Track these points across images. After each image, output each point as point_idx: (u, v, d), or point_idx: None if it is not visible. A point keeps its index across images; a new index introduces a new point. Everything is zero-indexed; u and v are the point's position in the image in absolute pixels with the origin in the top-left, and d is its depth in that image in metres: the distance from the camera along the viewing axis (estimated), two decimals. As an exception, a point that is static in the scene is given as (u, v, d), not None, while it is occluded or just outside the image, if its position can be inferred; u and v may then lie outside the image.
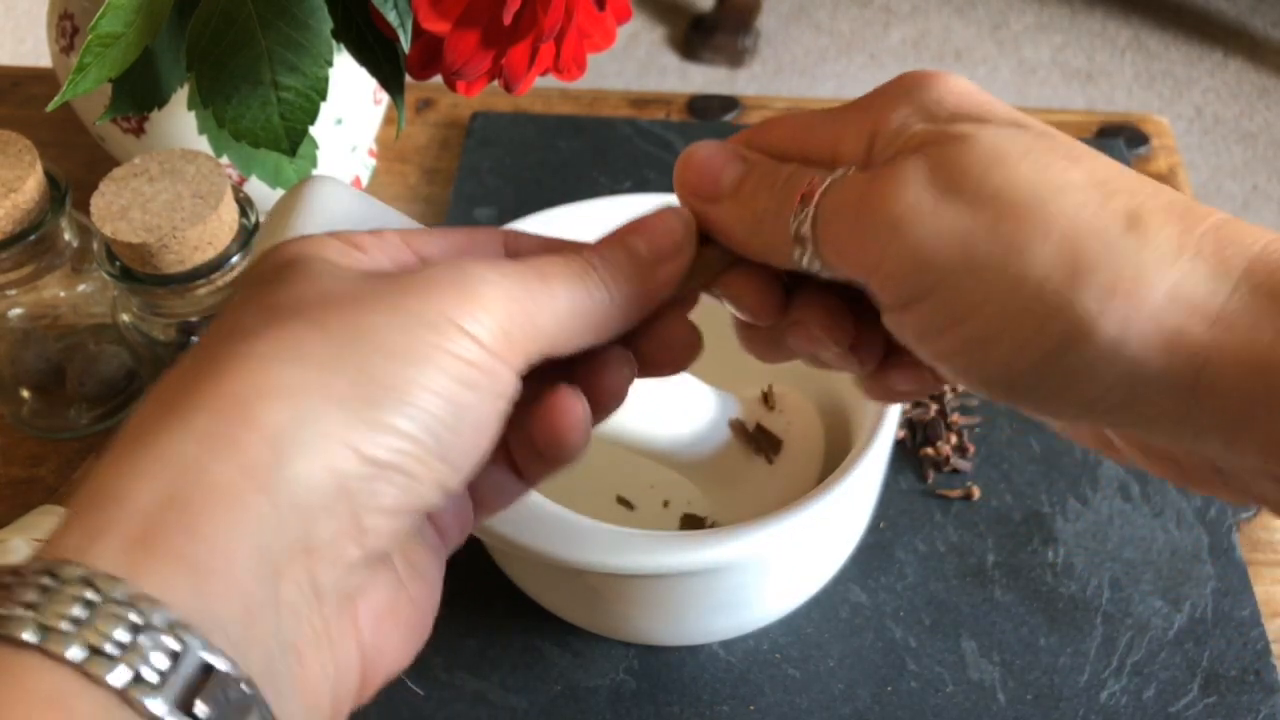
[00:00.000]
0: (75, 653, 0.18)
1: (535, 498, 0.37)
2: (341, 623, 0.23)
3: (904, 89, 0.26)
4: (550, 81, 0.45)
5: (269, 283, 0.24)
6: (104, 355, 0.52)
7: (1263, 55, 1.79)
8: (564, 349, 0.26)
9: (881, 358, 0.29)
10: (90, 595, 0.19)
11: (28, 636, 0.18)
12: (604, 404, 0.28)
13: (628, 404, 0.38)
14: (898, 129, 0.25)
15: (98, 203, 0.42)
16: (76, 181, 0.47)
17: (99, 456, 0.23)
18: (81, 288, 0.49)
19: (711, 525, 0.46)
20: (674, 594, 0.40)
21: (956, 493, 0.49)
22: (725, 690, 0.43)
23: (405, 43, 0.39)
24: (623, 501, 0.48)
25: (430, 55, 0.41)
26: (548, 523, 0.36)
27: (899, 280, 0.24)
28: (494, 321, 0.24)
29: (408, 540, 0.26)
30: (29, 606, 0.19)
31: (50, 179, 0.46)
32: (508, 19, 0.37)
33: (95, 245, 0.47)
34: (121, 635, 0.19)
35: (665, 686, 0.43)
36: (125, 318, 0.46)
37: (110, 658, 0.18)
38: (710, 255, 0.29)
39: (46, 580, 0.19)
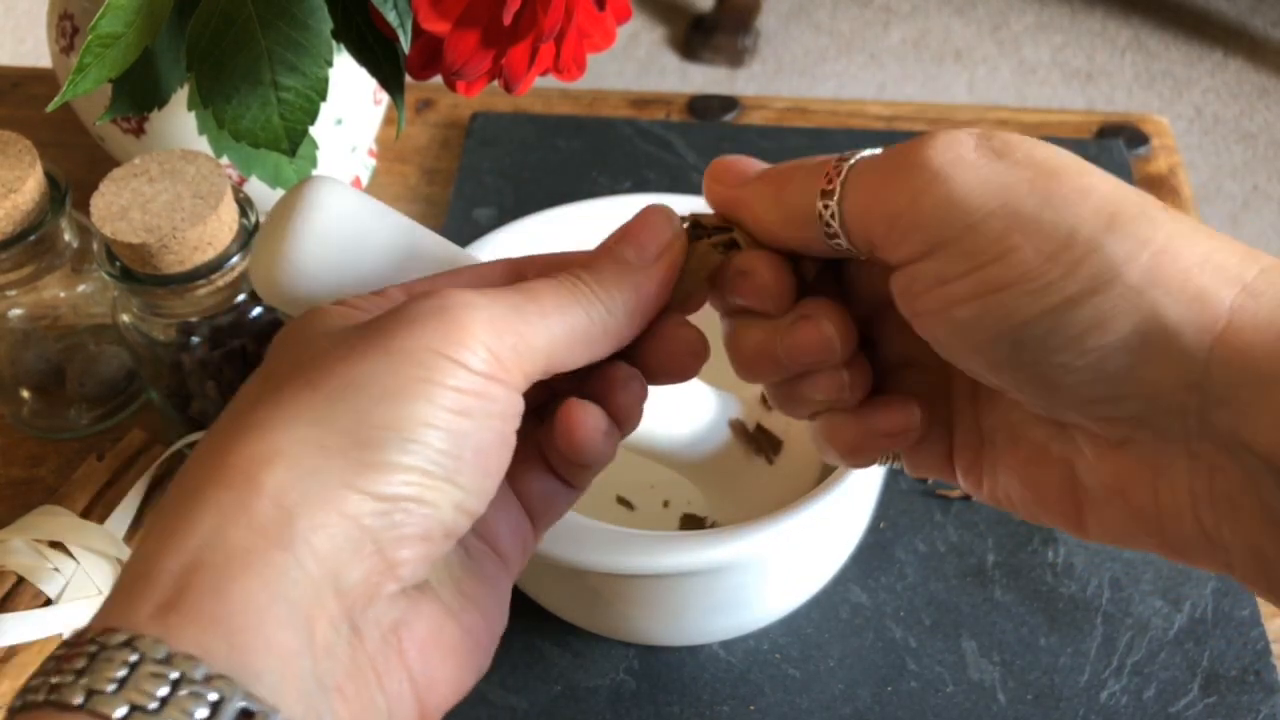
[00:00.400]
0: (120, 710, 0.20)
1: None
2: (387, 656, 0.24)
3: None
4: (550, 81, 0.45)
5: (274, 357, 0.26)
6: (104, 355, 0.52)
7: (1263, 55, 1.79)
8: (566, 364, 0.26)
9: (868, 391, 0.29)
10: (132, 657, 0.20)
11: (76, 700, 0.20)
12: (620, 421, 0.29)
13: None
14: None
15: (98, 203, 0.42)
16: (76, 182, 0.47)
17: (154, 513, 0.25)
18: (81, 288, 0.49)
19: (711, 525, 0.46)
20: (674, 594, 0.40)
21: (956, 493, 0.49)
22: (725, 690, 0.43)
23: (405, 43, 0.39)
24: (623, 501, 0.48)
25: (430, 55, 0.41)
26: None
27: (929, 224, 0.24)
28: (482, 346, 0.25)
29: (457, 569, 0.26)
30: (78, 674, 0.21)
31: (50, 179, 0.46)
32: (508, 19, 0.37)
33: (95, 246, 0.47)
34: (162, 691, 0.20)
35: (665, 686, 0.43)
36: (125, 318, 0.46)
37: (152, 713, 0.20)
38: (703, 250, 0.28)
39: (92, 648, 0.21)
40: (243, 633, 0.21)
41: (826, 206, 0.26)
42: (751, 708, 0.43)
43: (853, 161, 0.26)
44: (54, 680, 0.21)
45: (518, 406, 0.25)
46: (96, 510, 0.46)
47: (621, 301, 0.27)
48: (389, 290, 0.28)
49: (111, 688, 0.20)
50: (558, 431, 0.27)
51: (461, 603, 0.26)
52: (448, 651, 0.25)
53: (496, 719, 0.42)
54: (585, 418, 0.27)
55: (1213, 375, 0.22)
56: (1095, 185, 0.24)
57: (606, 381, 0.28)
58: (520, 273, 0.29)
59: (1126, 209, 0.23)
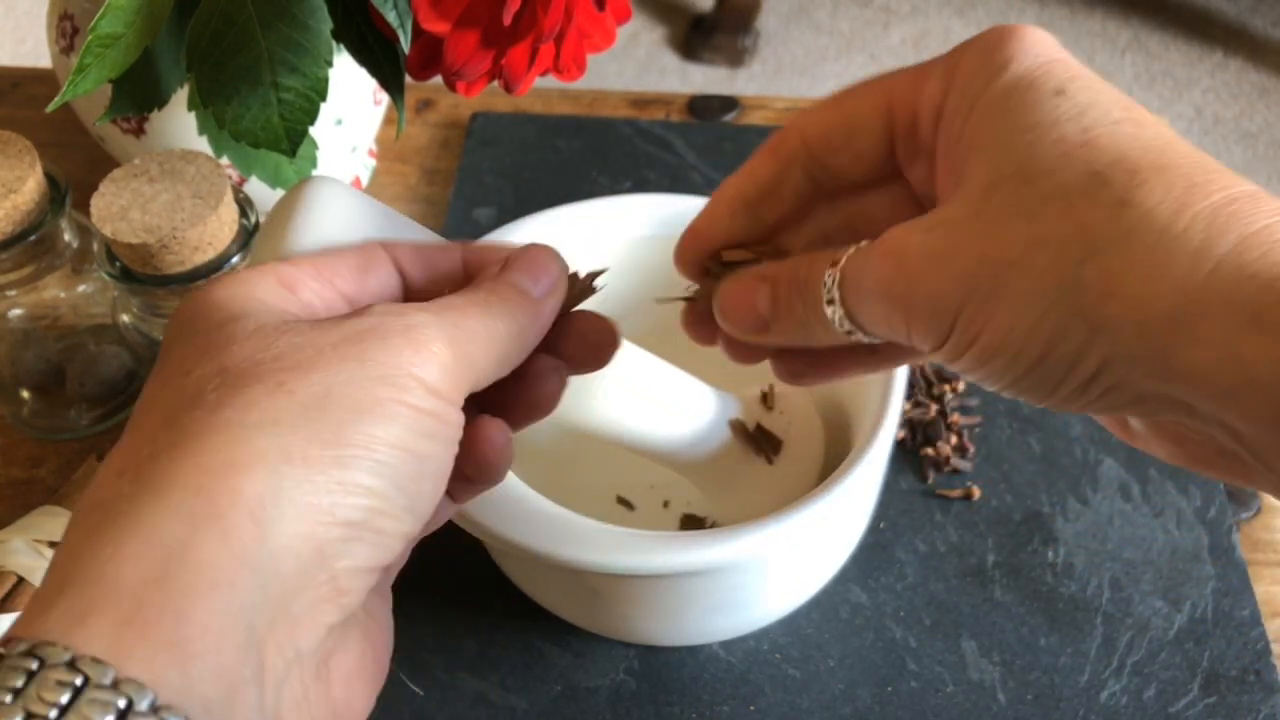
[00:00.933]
0: None
1: (535, 498, 0.37)
2: (317, 686, 0.23)
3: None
4: (550, 82, 0.45)
5: (213, 339, 0.24)
6: (104, 356, 0.52)
7: (1263, 55, 1.79)
8: (490, 380, 0.27)
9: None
10: (76, 680, 0.19)
11: None
12: (539, 411, 0.30)
13: (628, 404, 0.38)
14: (957, 130, 0.26)
15: (98, 203, 0.42)
16: (76, 182, 0.47)
17: (74, 516, 0.23)
18: (81, 288, 0.49)
19: (711, 525, 0.46)
20: (674, 594, 0.40)
21: (956, 493, 0.49)
22: (725, 690, 0.43)
23: (405, 43, 0.39)
24: (623, 501, 0.48)
25: (430, 55, 0.41)
26: (548, 523, 0.36)
27: (925, 330, 0.25)
28: (441, 368, 0.24)
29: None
30: (15, 693, 0.19)
31: (50, 180, 0.46)
32: (508, 19, 0.37)
33: (95, 246, 0.47)
34: None
35: (665, 687, 0.43)
36: (125, 318, 0.46)
37: None
38: (579, 282, 0.31)
39: (31, 664, 0.19)
40: (199, 658, 0.20)
41: (852, 332, 0.28)
42: (751, 708, 0.43)
43: (835, 292, 0.27)
44: None
45: (460, 428, 0.25)
46: (96, 510, 0.46)
47: (521, 324, 0.27)
48: (302, 262, 0.27)
49: (53, 714, 0.19)
50: (471, 448, 0.27)
51: (368, 621, 0.26)
52: (365, 677, 0.25)
53: (496, 719, 0.42)
54: (496, 435, 0.28)
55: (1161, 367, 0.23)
56: (1043, 236, 0.23)
57: (529, 376, 0.29)
58: (397, 259, 0.29)
59: (1072, 259, 0.23)
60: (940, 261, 0.24)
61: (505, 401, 0.29)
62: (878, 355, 0.31)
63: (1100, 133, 0.24)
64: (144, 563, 0.20)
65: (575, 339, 0.30)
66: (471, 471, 0.27)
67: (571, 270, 0.31)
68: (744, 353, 0.32)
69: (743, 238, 0.31)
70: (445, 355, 0.24)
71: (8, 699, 0.19)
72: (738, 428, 0.41)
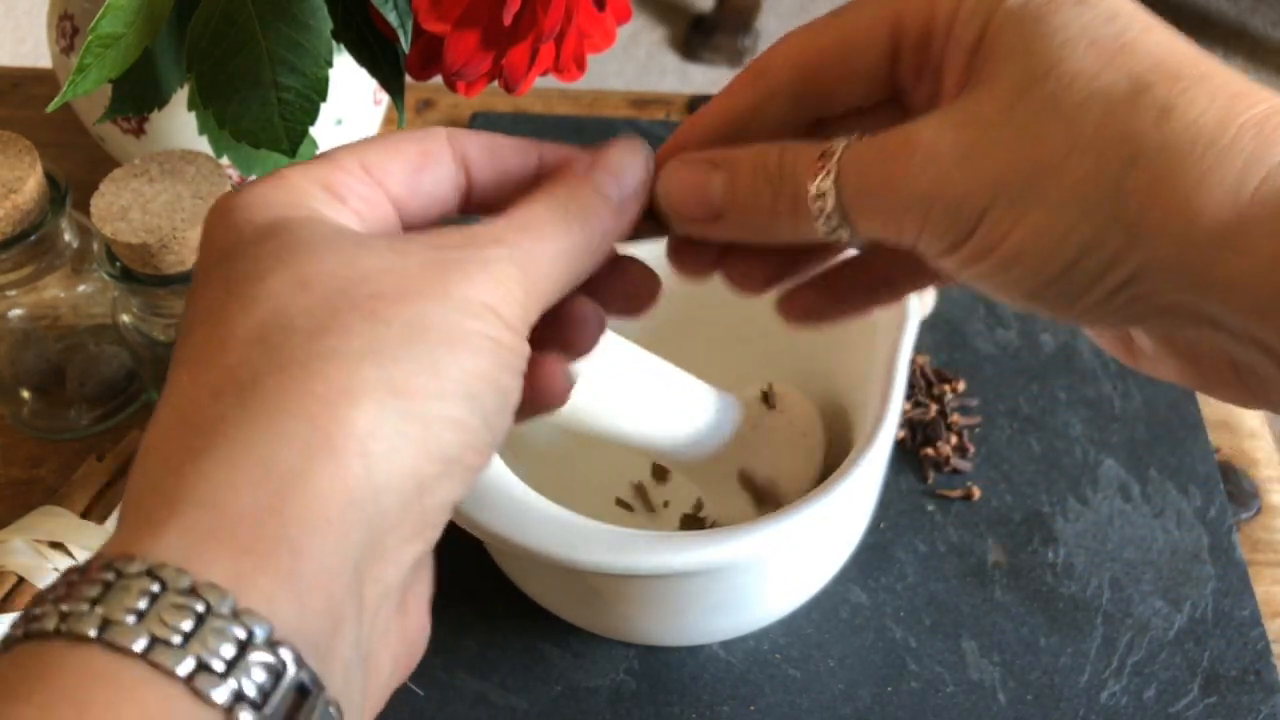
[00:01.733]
0: (185, 667, 0.18)
1: (535, 498, 0.37)
2: (398, 618, 0.23)
3: None
4: (550, 82, 0.45)
5: (280, 245, 0.23)
6: (104, 356, 0.52)
7: (1263, 56, 1.79)
8: (551, 304, 0.25)
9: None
10: (198, 607, 0.18)
11: (137, 647, 0.18)
12: (578, 354, 0.28)
13: (627, 403, 0.38)
14: (965, 20, 0.25)
15: (98, 203, 0.42)
16: (77, 182, 0.47)
17: (143, 435, 0.22)
18: (81, 288, 0.49)
19: (712, 525, 0.46)
20: (674, 594, 0.40)
21: (956, 493, 0.49)
22: (725, 690, 0.43)
23: (405, 43, 0.39)
24: (622, 504, 0.48)
25: (430, 55, 0.41)
26: (547, 522, 0.36)
27: (939, 232, 0.24)
28: (518, 304, 0.24)
29: None
30: (138, 615, 0.18)
31: (50, 179, 0.46)
32: (508, 20, 0.37)
33: (95, 246, 0.47)
34: (228, 651, 0.18)
35: (665, 687, 0.43)
36: (125, 318, 0.46)
37: (217, 674, 0.18)
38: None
39: (151, 585, 0.19)
40: (312, 594, 0.19)
41: (832, 229, 0.26)
42: (751, 708, 0.43)
43: (833, 174, 0.25)
44: (101, 613, 0.18)
45: (528, 360, 0.25)
46: (96, 511, 0.46)
47: (600, 236, 0.26)
48: (345, 163, 0.25)
49: (178, 639, 0.18)
50: (534, 382, 0.26)
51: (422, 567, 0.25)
52: (425, 605, 0.25)
53: (496, 719, 0.42)
54: (559, 370, 0.27)
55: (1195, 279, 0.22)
56: (1083, 138, 0.22)
57: (570, 318, 0.27)
58: (464, 154, 0.27)
59: (1113, 163, 0.22)
60: (971, 160, 0.23)
61: (543, 338, 0.27)
62: (890, 284, 0.30)
63: (1134, 37, 0.23)
64: (260, 492, 0.20)
65: (619, 277, 0.28)
66: (530, 404, 0.26)
67: None
68: (692, 261, 0.30)
69: None
70: (520, 291, 0.24)
71: (130, 620, 0.18)
72: (745, 480, 0.41)
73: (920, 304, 0.40)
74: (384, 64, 0.44)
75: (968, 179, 0.23)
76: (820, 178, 0.25)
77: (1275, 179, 0.21)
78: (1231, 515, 0.48)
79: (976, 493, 0.49)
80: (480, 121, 0.65)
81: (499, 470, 0.38)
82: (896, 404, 0.38)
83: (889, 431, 0.38)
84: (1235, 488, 0.50)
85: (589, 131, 0.65)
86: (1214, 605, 0.45)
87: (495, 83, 0.42)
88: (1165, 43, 0.23)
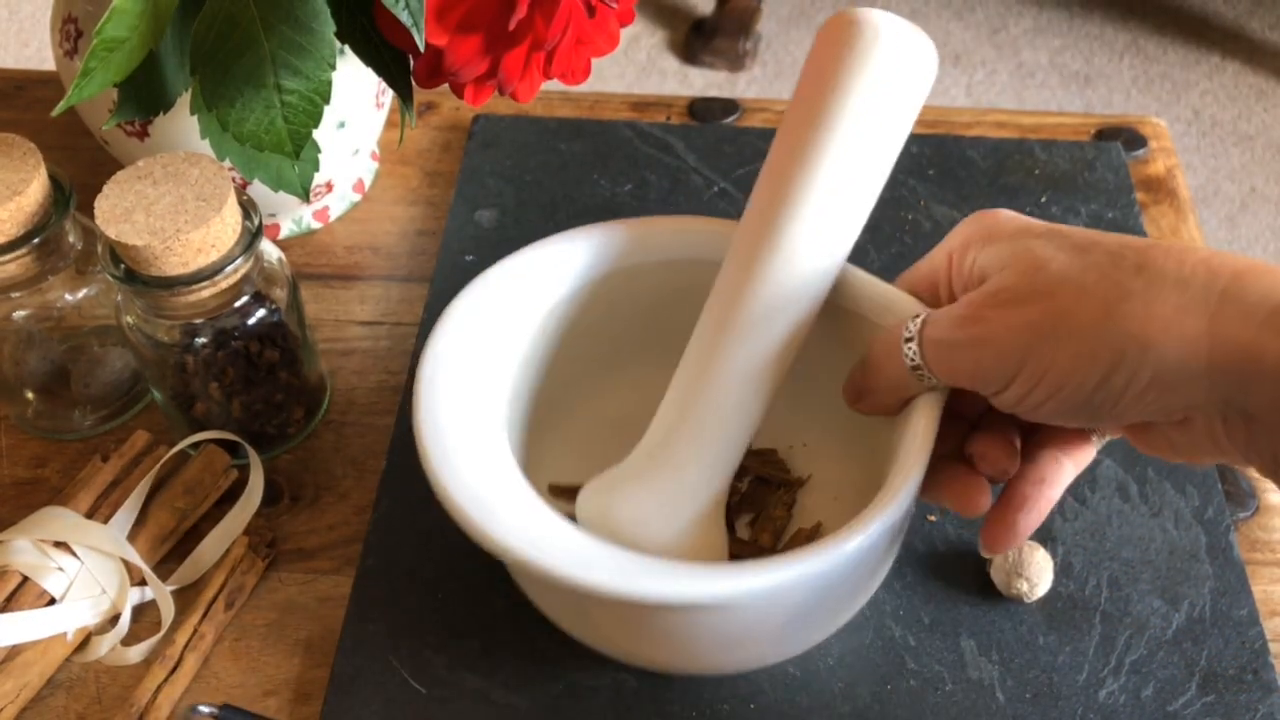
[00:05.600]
0: None
1: (548, 512, 0.36)
2: None
3: (968, 231, 0.37)
4: (552, 85, 0.45)
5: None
6: (108, 357, 0.52)
7: (1260, 58, 1.79)
8: None
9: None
10: None
11: None
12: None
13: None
14: (968, 268, 0.36)
15: (101, 205, 0.43)
16: (80, 184, 0.48)
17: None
18: (85, 290, 0.49)
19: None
20: (677, 626, 0.37)
21: (955, 493, 0.49)
22: (725, 689, 0.43)
23: (420, 42, 0.38)
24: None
25: (437, 64, 0.41)
26: (557, 539, 0.35)
27: (996, 372, 0.33)
28: None
29: None
30: None
31: (54, 182, 0.46)
32: (512, 26, 0.38)
33: (99, 248, 0.47)
34: None
35: (666, 685, 0.44)
36: (129, 320, 0.46)
37: None
38: None
39: None
40: None
41: (922, 381, 0.36)
42: (751, 706, 0.43)
43: (914, 357, 0.36)
44: None
45: None
46: (100, 510, 0.46)
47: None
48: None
49: None
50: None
51: None
52: None
53: (498, 718, 0.43)
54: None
55: (1216, 379, 0.30)
56: (1085, 288, 0.31)
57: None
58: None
59: (1112, 295, 0.31)
60: (1010, 316, 0.33)
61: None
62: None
63: (1097, 236, 0.33)
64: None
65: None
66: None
67: None
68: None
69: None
70: None
71: None
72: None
73: None
74: (391, 66, 0.44)
75: (1014, 328, 0.33)
76: (911, 350, 0.36)
77: (1229, 293, 0.30)
78: (1229, 515, 0.48)
79: (975, 492, 0.49)
80: (481, 124, 0.66)
81: (515, 479, 0.37)
82: (922, 461, 0.36)
83: (915, 477, 0.36)
84: (1233, 488, 0.50)
85: (589, 134, 0.65)
86: (1212, 604, 0.45)
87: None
88: (1118, 236, 0.33)
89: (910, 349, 0.36)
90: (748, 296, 0.38)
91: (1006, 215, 0.36)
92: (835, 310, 0.40)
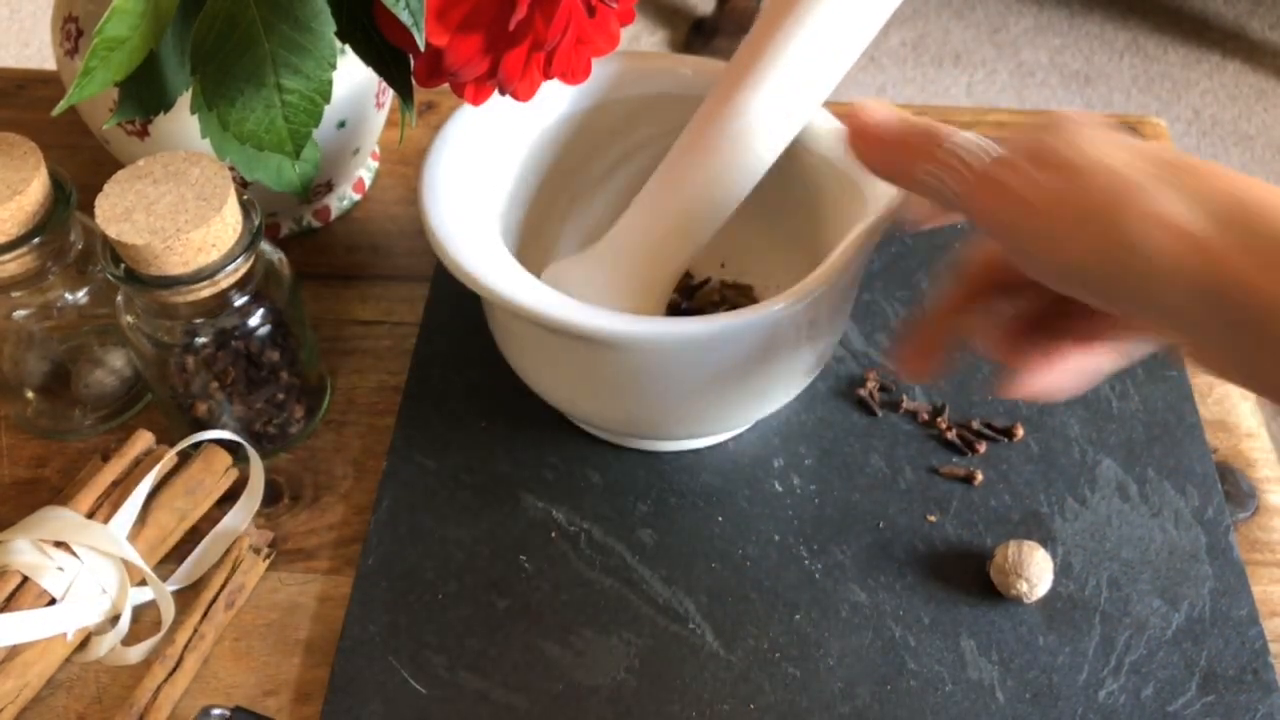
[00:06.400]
0: None
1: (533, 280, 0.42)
2: None
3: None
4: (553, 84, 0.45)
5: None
6: (108, 357, 0.52)
7: (1260, 57, 1.79)
8: None
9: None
10: None
11: None
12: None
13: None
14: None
15: (102, 205, 0.43)
16: (81, 184, 0.48)
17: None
18: (86, 289, 0.49)
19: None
20: (668, 364, 0.42)
21: (960, 471, 0.49)
22: (725, 689, 0.43)
23: (420, 41, 0.38)
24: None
25: (437, 64, 0.41)
26: (522, 286, 0.41)
27: (1012, 218, 0.33)
28: None
29: None
30: None
31: (55, 181, 0.46)
32: (512, 25, 0.38)
33: (99, 247, 0.47)
34: None
35: (665, 685, 0.44)
36: (129, 319, 0.46)
37: None
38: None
39: None
40: None
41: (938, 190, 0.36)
42: (751, 706, 0.43)
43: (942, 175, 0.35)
44: None
45: None
46: (101, 510, 0.46)
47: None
48: None
49: None
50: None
51: None
52: None
53: (498, 717, 0.43)
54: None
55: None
56: (1105, 170, 0.31)
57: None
58: None
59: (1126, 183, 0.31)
60: (1039, 175, 0.32)
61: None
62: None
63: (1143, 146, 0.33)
64: None
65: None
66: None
67: None
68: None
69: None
70: None
71: None
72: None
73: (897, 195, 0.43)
74: (391, 65, 0.44)
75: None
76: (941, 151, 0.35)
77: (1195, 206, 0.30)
78: (1229, 515, 0.48)
79: (979, 477, 0.49)
80: (481, 124, 0.66)
81: (499, 250, 0.43)
82: (847, 257, 0.41)
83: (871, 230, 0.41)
84: (1233, 488, 0.50)
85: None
86: (1211, 604, 0.45)
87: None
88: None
89: (943, 153, 0.35)
90: (718, 126, 0.43)
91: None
92: (800, 152, 0.46)
